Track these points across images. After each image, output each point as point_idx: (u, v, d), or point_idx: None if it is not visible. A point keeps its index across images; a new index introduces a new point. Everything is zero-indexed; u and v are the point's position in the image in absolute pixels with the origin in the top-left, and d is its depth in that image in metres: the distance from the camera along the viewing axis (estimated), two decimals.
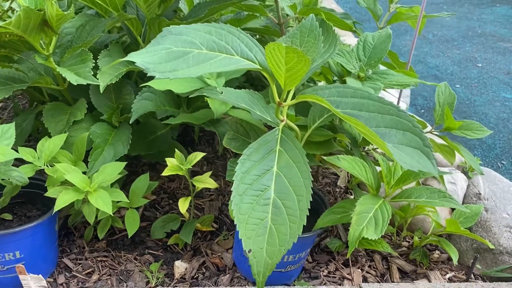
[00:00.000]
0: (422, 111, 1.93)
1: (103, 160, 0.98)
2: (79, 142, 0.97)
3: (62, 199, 0.84)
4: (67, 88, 1.11)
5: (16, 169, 0.87)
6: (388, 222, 0.84)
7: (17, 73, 1.04)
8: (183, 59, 0.70)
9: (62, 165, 0.89)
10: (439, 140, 1.14)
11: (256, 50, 0.76)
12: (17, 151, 0.87)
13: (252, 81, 1.41)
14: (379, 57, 0.91)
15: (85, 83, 0.88)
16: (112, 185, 0.99)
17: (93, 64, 0.91)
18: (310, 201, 0.73)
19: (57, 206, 0.84)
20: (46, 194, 0.89)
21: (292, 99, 0.80)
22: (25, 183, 0.88)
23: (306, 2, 1.18)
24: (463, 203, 1.20)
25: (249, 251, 0.72)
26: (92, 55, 0.93)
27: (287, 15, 1.25)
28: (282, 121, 0.82)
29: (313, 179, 0.75)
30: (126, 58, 0.65)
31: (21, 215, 0.96)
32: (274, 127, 0.87)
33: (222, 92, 0.83)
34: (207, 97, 0.91)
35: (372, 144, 1.19)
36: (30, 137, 1.35)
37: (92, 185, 0.87)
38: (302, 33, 0.80)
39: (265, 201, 0.74)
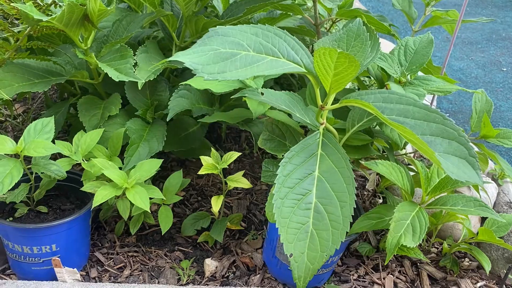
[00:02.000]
0: (447, 115, 1.91)
1: (138, 156, 0.98)
2: (115, 137, 0.98)
3: (101, 195, 0.85)
4: (101, 82, 1.11)
5: (54, 163, 0.88)
6: (426, 230, 0.84)
7: (54, 66, 1.04)
8: (231, 60, 0.69)
9: (100, 161, 0.90)
10: None
11: (302, 53, 0.76)
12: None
13: (277, 79, 1.40)
14: (421, 62, 0.90)
15: (127, 80, 0.88)
16: (144, 181, 0.99)
17: (134, 61, 0.91)
18: None
19: (96, 202, 0.84)
20: (83, 189, 0.90)
21: (332, 103, 0.80)
22: (63, 176, 0.88)
23: (342, 3, 1.17)
24: None
25: (291, 255, 0.72)
26: (132, 51, 0.93)
27: (323, 16, 1.24)
28: (322, 124, 0.82)
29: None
30: (173, 58, 0.65)
31: (56, 208, 0.97)
32: (311, 130, 0.87)
33: (263, 93, 0.82)
34: (246, 97, 0.91)
35: (404, 149, 1.18)
36: (59, 131, 1.36)
37: (129, 182, 0.88)
38: (349, 37, 0.80)
39: (306, 206, 0.74)
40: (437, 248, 1.12)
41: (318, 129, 0.80)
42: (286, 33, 0.76)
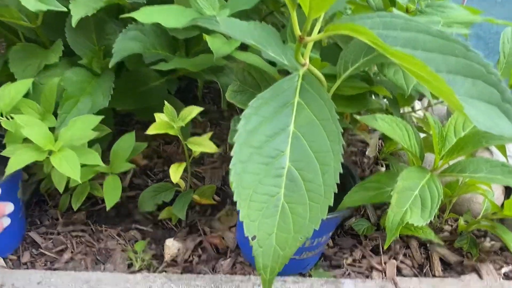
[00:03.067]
0: None
1: (77, 113, 0.78)
2: (48, 89, 0.78)
3: (17, 160, 0.66)
4: (43, 27, 0.91)
5: None
6: (439, 203, 0.64)
7: None
8: None
9: (22, 117, 0.70)
10: None
11: None
12: None
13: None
14: None
15: (45, 9, 0.67)
16: (92, 145, 0.80)
17: None
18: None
19: (10, 168, 0.65)
20: (3, 153, 0.71)
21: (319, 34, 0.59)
22: None
23: None
24: None
25: (253, 238, 0.53)
26: None
27: None
28: (303, 65, 0.61)
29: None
30: None
31: None
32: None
33: (222, 23, 0.62)
34: (206, 33, 0.70)
35: (411, 106, 0.98)
36: None
37: (56, 143, 0.68)
38: None
39: (277, 172, 0.54)
40: (451, 226, 0.93)
41: (298, 72, 0.60)
42: None
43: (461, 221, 0.88)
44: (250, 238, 0.53)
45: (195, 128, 1.11)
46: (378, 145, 1.08)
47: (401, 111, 1.03)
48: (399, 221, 0.61)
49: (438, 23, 0.62)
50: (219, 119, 1.15)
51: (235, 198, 0.53)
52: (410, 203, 0.64)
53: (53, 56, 0.85)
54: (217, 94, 1.24)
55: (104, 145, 0.89)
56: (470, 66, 0.53)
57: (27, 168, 0.80)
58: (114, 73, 0.89)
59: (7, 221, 0.61)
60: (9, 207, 0.61)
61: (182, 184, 0.87)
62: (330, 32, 0.56)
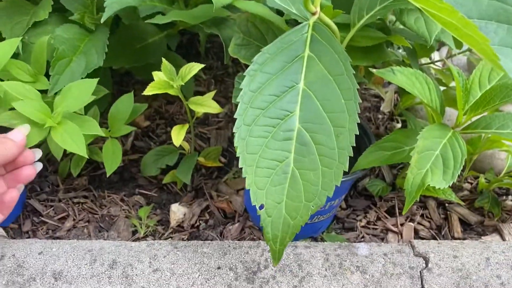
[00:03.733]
0: None
1: (70, 74, 0.73)
2: (37, 48, 0.72)
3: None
4: None
5: None
6: (462, 163, 0.59)
7: None
8: None
9: (11, 84, 0.65)
10: None
11: None
12: None
13: None
14: None
15: None
16: (88, 109, 0.75)
17: None
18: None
19: None
20: None
21: None
22: None
23: None
24: None
25: (261, 207, 0.49)
26: None
27: None
28: (314, 14, 0.55)
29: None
30: None
31: None
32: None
33: None
34: None
35: (430, 57, 0.90)
36: None
37: (55, 116, 0.63)
38: None
39: (285, 134, 0.49)
40: (471, 184, 0.88)
41: (308, 21, 0.53)
42: None
43: (482, 179, 0.84)
44: (257, 207, 0.49)
45: (198, 86, 1.06)
46: (394, 100, 1.01)
47: (419, 62, 0.96)
48: (419, 183, 0.57)
49: None
50: (224, 76, 1.09)
51: (240, 165, 0.49)
52: (431, 163, 0.59)
53: (42, 13, 0.79)
54: (221, 49, 1.17)
55: (102, 106, 0.84)
56: (505, 10, 0.47)
57: None
58: (109, 28, 0.83)
59: (39, 166, 0.59)
60: (38, 153, 0.59)
61: (186, 146, 0.82)
62: None
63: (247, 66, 0.79)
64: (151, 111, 0.97)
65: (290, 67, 0.51)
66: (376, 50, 0.65)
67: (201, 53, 1.12)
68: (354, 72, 0.48)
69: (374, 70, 0.63)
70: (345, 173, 0.65)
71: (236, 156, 0.48)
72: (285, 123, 0.49)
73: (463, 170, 0.86)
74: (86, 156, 0.63)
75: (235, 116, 0.49)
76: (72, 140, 0.63)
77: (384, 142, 0.67)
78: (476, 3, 0.47)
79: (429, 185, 0.58)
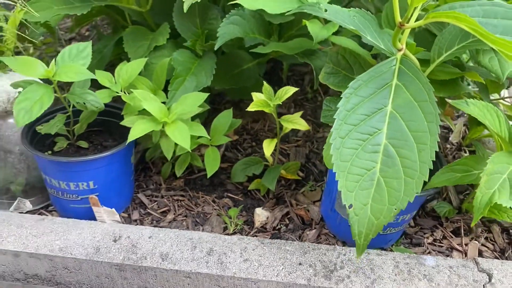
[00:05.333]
0: None
1: (184, 91, 0.88)
2: (159, 68, 0.88)
3: (137, 129, 0.76)
4: (150, 11, 1.01)
5: (91, 93, 0.80)
6: None
7: None
8: None
9: (140, 92, 0.80)
10: None
11: None
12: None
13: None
14: None
15: None
16: (192, 119, 0.89)
17: None
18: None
19: (132, 136, 0.76)
20: (122, 123, 0.81)
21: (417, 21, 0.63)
22: (101, 108, 0.81)
23: None
24: None
25: (350, 206, 0.59)
26: None
27: None
28: (400, 50, 0.65)
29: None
30: None
31: (97, 144, 0.90)
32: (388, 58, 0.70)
33: (326, 10, 0.67)
34: (307, 21, 0.76)
35: (501, 93, 0.97)
36: (113, 66, 1.29)
37: (170, 116, 0.78)
38: None
39: (373, 148, 0.59)
40: None
41: (396, 56, 0.64)
42: None
43: None
44: (347, 207, 0.59)
45: (279, 108, 1.18)
46: (462, 132, 1.08)
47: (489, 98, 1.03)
48: (487, 201, 0.64)
49: None
50: (303, 101, 1.21)
51: (334, 170, 0.59)
52: (499, 185, 0.66)
53: (161, 39, 0.95)
54: (301, 76, 1.29)
55: (200, 120, 0.98)
56: None
57: None
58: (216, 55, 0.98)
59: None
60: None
61: (270, 159, 0.94)
62: (431, 19, 0.60)
63: (325, 93, 0.89)
64: (239, 128, 1.10)
65: (380, 92, 0.61)
66: (452, 83, 0.74)
67: (283, 79, 1.25)
68: (437, 100, 0.58)
69: (449, 101, 0.72)
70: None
71: (326, 165, 0.59)
72: (373, 138, 0.59)
73: None
74: (189, 149, 0.76)
75: (332, 130, 0.60)
76: (180, 135, 0.77)
77: (455, 165, 0.75)
78: None
79: (495, 205, 0.66)
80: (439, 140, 0.57)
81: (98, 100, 0.80)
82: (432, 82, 0.75)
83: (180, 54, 0.92)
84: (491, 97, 1.04)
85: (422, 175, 0.57)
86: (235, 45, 1.02)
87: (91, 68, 0.83)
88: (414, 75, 0.61)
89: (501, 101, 0.97)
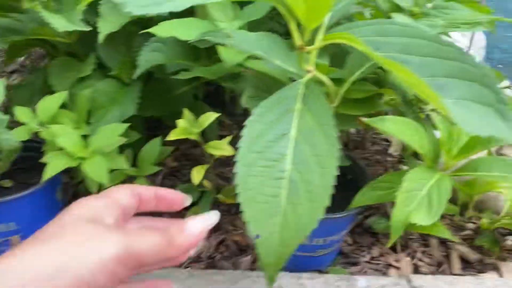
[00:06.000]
0: (500, 66, 1.63)
1: (107, 121, 0.85)
2: (80, 100, 0.86)
3: (52, 166, 0.74)
4: (79, 41, 0.99)
5: (6, 132, 0.77)
6: (446, 203, 0.65)
7: (17, 23, 0.93)
8: None
9: (56, 127, 0.78)
10: None
11: None
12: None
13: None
14: None
15: (72, 29, 0.74)
16: (122, 150, 0.87)
17: (86, 7, 0.78)
18: (347, 173, 0.56)
19: (46, 175, 0.73)
20: (41, 160, 0.79)
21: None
22: (16, 148, 0.78)
23: None
24: None
25: (257, 236, 0.57)
26: None
27: None
28: (309, 72, 0.64)
29: (358, 146, 0.57)
30: None
31: (22, 182, 0.87)
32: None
33: (231, 35, 0.66)
34: (218, 45, 0.75)
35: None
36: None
37: (87, 150, 0.75)
38: None
39: (279, 174, 0.58)
40: (475, 224, 0.92)
41: (301, 80, 0.63)
42: None
43: (484, 220, 0.88)
44: (254, 237, 0.57)
45: (222, 130, 1.16)
46: (402, 143, 1.08)
47: (424, 110, 1.03)
48: (404, 220, 0.63)
49: (439, 26, 0.63)
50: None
51: (239, 200, 0.57)
52: (417, 202, 0.65)
53: (87, 69, 0.93)
54: None
55: (138, 149, 0.95)
56: (466, 69, 0.55)
57: (68, 172, 0.88)
58: (144, 81, 0.96)
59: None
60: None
61: (207, 184, 0.92)
62: (327, 41, 0.59)
63: None
64: (179, 153, 1.08)
65: (284, 117, 0.60)
66: (369, 101, 0.74)
67: (226, 101, 1.24)
68: (334, 123, 0.57)
69: (364, 119, 0.71)
70: (342, 211, 0.73)
71: (236, 193, 0.57)
72: (278, 164, 0.58)
73: (465, 211, 0.91)
74: (107, 184, 0.73)
75: (235, 159, 0.58)
76: (97, 170, 0.74)
77: (378, 182, 0.74)
78: (441, 64, 0.56)
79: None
80: (338, 163, 0.55)
81: (13, 138, 0.77)
82: (349, 100, 0.74)
83: (105, 84, 0.90)
84: (429, 107, 1.04)
85: (324, 200, 0.55)
86: (166, 70, 1.00)
87: (23, 103, 0.81)
88: (317, 98, 0.60)
89: (435, 112, 0.97)
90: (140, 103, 0.90)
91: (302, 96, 0.61)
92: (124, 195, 0.46)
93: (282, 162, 0.58)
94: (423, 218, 0.63)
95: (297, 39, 0.60)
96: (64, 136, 0.75)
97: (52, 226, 0.39)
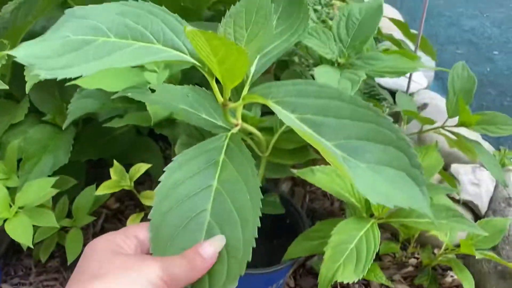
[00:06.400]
0: None
1: (39, 172, 0.82)
2: (9, 151, 0.82)
3: None
4: (13, 82, 0.96)
5: None
6: (374, 256, 0.65)
7: None
8: (83, 50, 0.49)
9: None
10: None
11: (185, 37, 0.56)
12: None
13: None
14: (366, 36, 0.68)
15: None
16: (58, 198, 0.84)
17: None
18: (287, 217, 0.54)
19: None
20: None
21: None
22: None
23: None
24: (488, 209, 0.97)
25: None
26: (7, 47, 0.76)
27: None
28: (236, 125, 0.63)
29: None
30: (10, 52, 0.47)
31: None
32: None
33: (154, 90, 0.65)
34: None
35: None
36: None
37: (11, 210, 0.72)
38: (249, 10, 0.59)
39: (197, 226, 0.54)
40: (417, 259, 0.93)
41: (230, 131, 0.62)
42: (165, 10, 0.56)
43: (423, 255, 0.88)
44: None
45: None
46: None
47: None
48: (330, 278, 0.63)
49: (358, 82, 0.63)
50: None
51: (151, 250, 0.54)
52: (345, 257, 0.65)
53: (20, 114, 0.89)
54: None
55: (76, 194, 0.92)
56: (381, 132, 0.54)
57: None
58: (81, 124, 0.94)
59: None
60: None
61: None
62: (247, 100, 0.58)
63: None
64: (122, 193, 1.06)
65: (207, 168, 0.57)
66: (300, 151, 0.73)
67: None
68: (257, 173, 0.56)
69: (294, 171, 0.70)
70: (277, 264, 0.72)
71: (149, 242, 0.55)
72: (197, 216, 0.54)
73: (407, 247, 0.91)
74: (30, 245, 0.70)
75: (152, 204, 0.55)
76: (21, 231, 0.71)
77: (311, 232, 0.73)
78: (356, 126, 0.54)
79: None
80: (260, 215, 0.54)
81: None
82: (280, 150, 0.74)
83: (37, 131, 0.87)
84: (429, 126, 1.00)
85: (245, 254, 0.53)
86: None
87: None
88: (240, 150, 0.58)
89: (441, 130, 0.89)
90: (78, 148, 0.88)
91: (225, 148, 0.59)
92: (140, 230, 0.51)
93: (202, 214, 0.55)
94: (349, 275, 0.63)
95: (219, 97, 0.59)
96: None
97: (89, 263, 0.42)
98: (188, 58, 0.56)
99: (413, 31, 1.02)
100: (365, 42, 0.69)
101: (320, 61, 0.71)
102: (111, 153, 0.96)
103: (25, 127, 0.90)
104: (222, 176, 0.57)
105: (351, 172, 0.48)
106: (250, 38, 0.60)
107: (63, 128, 0.79)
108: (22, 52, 0.45)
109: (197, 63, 0.56)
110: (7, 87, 0.72)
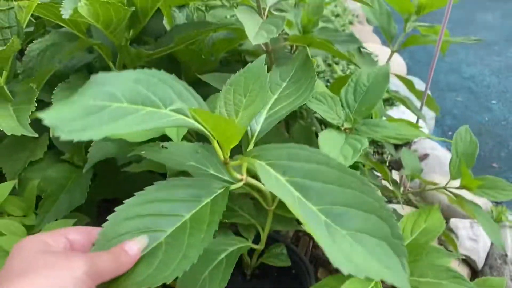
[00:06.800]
0: (450, 133, 1.71)
1: (56, 212, 0.85)
2: (28, 190, 0.86)
3: None
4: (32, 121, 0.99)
5: None
6: None
7: None
8: (98, 115, 0.53)
9: (2, 222, 0.78)
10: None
11: (192, 102, 0.60)
12: None
13: None
14: (372, 103, 0.73)
15: (19, 134, 0.74)
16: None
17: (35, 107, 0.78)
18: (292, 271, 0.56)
19: None
20: None
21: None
22: None
23: (304, 21, 1.01)
24: (485, 264, 1.01)
25: None
26: (36, 94, 0.80)
27: (285, 37, 1.08)
28: (241, 180, 0.67)
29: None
30: (39, 115, 0.50)
31: None
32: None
33: (166, 147, 0.70)
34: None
35: None
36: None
37: None
38: (247, 79, 0.64)
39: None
40: None
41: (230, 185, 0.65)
42: (174, 78, 0.59)
43: None
44: None
45: None
46: None
47: None
48: None
49: (358, 150, 0.66)
50: None
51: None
52: None
53: (39, 152, 0.93)
54: None
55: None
56: (364, 200, 0.54)
57: None
58: (97, 164, 0.97)
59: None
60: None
61: None
62: (243, 161, 0.62)
63: None
64: None
65: (186, 202, 0.59)
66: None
67: None
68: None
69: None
70: None
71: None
72: (154, 232, 0.54)
73: None
74: None
75: None
76: None
77: (317, 286, 0.76)
78: (342, 192, 0.55)
79: None
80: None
81: None
82: (277, 217, 0.77)
83: (56, 170, 0.90)
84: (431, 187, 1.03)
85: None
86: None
87: None
88: (222, 204, 0.62)
89: (444, 190, 0.92)
90: (92, 186, 0.91)
91: (215, 196, 0.62)
92: (70, 231, 0.53)
93: (158, 233, 0.54)
94: None
95: (220, 155, 0.63)
96: (8, 237, 0.75)
97: (15, 262, 0.43)
98: (192, 122, 0.58)
99: (414, 78, 1.08)
100: (371, 108, 0.74)
101: (325, 125, 0.76)
102: (126, 192, 0.99)
103: (44, 164, 0.93)
104: (196, 215, 0.60)
105: (323, 240, 0.49)
106: (247, 103, 0.63)
107: (83, 172, 0.83)
108: (52, 115, 0.48)
109: (200, 127, 0.59)
110: (36, 135, 0.75)
